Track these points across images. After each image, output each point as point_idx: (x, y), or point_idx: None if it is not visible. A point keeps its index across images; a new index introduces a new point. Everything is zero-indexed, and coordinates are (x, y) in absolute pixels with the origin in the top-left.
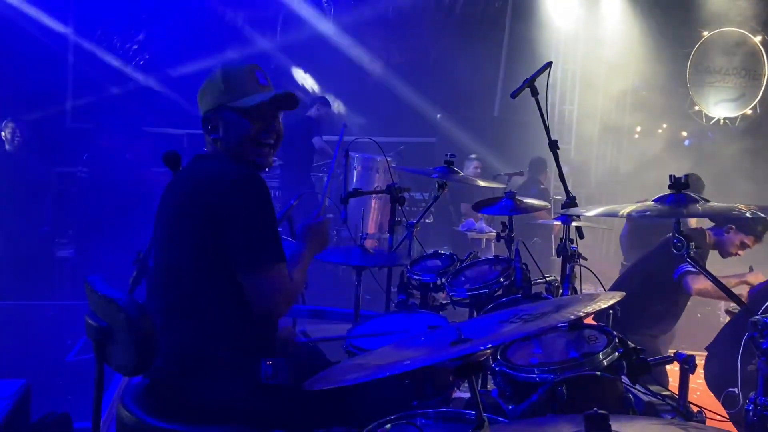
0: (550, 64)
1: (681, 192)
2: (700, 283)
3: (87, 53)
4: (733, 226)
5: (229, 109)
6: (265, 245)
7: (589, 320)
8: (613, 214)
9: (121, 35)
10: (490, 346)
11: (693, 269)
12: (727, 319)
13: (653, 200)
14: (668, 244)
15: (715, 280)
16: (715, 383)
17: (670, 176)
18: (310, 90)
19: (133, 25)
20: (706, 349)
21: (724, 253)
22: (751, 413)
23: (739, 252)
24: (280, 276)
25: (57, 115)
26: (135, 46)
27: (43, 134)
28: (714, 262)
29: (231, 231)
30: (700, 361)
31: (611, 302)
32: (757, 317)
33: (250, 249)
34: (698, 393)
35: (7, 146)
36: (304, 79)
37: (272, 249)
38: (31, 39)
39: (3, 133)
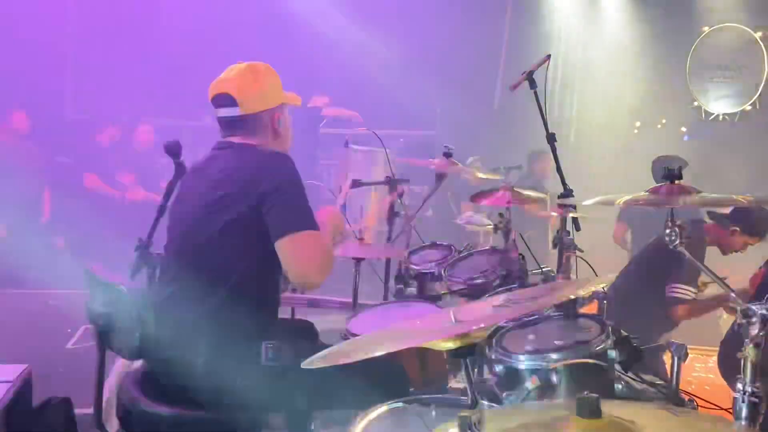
0: (549, 56)
1: (675, 183)
2: (681, 313)
3: (86, 41)
4: (738, 229)
5: (285, 105)
6: (304, 213)
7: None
8: (609, 203)
9: (123, 26)
10: (482, 325)
11: (681, 296)
12: (724, 314)
13: (648, 191)
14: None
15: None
16: (729, 378)
17: (664, 167)
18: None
19: (136, 16)
20: (720, 344)
21: (726, 251)
22: (740, 400)
23: (742, 250)
24: (317, 242)
25: (56, 103)
26: (138, 37)
27: (42, 123)
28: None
29: (269, 203)
30: (694, 355)
31: (600, 285)
32: (744, 305)
33: (288, 216)
34: (693, 386)
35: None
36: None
37: (308, 217)
38: (29, 28)
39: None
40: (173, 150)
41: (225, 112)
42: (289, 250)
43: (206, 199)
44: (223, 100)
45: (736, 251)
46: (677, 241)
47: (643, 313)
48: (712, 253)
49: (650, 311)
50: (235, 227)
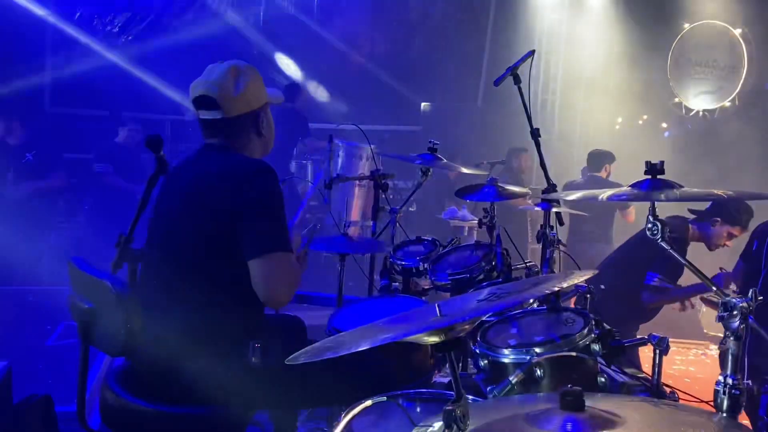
0: (532, 52)
1: (657, 177)
2: (653, 301)
3: (66, 36)
4: (719, 219)
5: (268, 105)
6: (278, 234)
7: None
8: (592, 199)
9: (101, 18)
10: (468, 318)
11: (658, 284)
12: (704, 307)
13: (630, 185)
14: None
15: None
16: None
17: (646, 162)
18: (293, 77)
19: (115, 8)
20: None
21: (712, 246)
22: (720, 392)
23: (727, 243)
24: (288, 264)
25: (35, 98)
26: (116, 30)
27: (22, 118)
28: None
29: (247, 218)
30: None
31: (584, 278)
32: (726, 298)
33: (263, 236)
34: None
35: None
36: (287, 65)
37: (283, 238)
38: (8, 21)
39: None
40: (154, 144)
41: (207, 114)
42: (260, 271)
43: (187, 200)
44: (205, 102)
45: (723, 245)
46: (659, 236)
47: (621, 302)
48: (699, 253)
49: (628, 300)
50: (216, 229)
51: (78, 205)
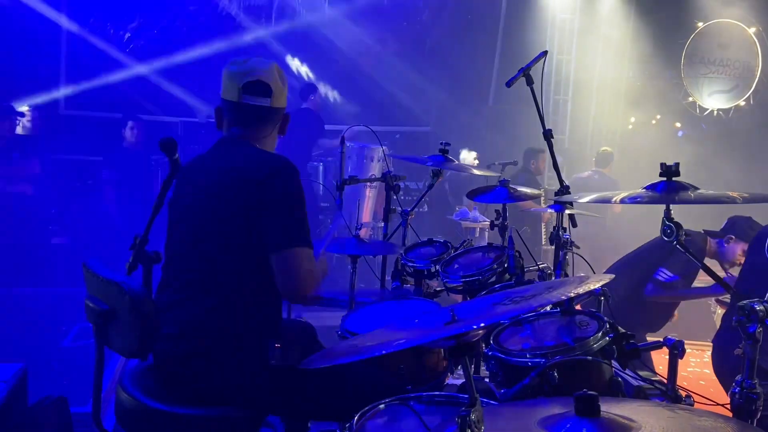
0: (545, 53)
1: (672, 179)
2: (655, 294)
3: (80, 40)
4: (733, 236)
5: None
6: (300, 229)
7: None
8: (605, 201)
9: (115, 22)
10: (483, 324)
11: (664, 280)
12: (718, 308)
13: (644, 187)
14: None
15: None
16: (722, 374)
17: (661, 164)
18: (305, 78)
19: (127, 12)
20: (712, 341)
21: (726, 263)
22: (737, 396)
23: (741, 260)
24: (309, 259)
25: (50, 102)
26: (128, 34)
27: (36, 121)
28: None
29: (270, 212)
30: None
31: (600, 284)
32: (743, 302)
33: (286, 231)
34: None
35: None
36: (299, 67)
37: (304, 233)
38: (24, 26)
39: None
40: (169, 146)
41: (254, 100)
42: (282, 265)
43: (211, 195)
44: (260, 88)
45: (738, 263)
46: (673, 237)
47: (631, 308)
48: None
49: (640, 308)
50: (240, 223)
51: (95, 206)
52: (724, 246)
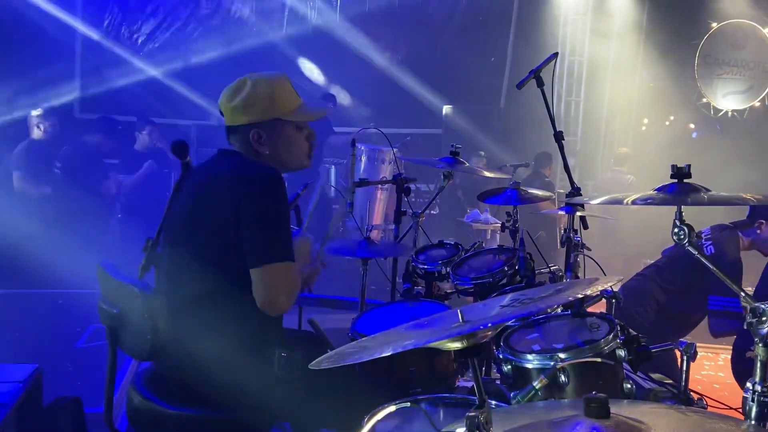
0: (556, 55)
1: (684, 181)
2: (726, 330)
3: (95, 44)
4: (764, 221)
5: (284, 122)
6: (279, 243)
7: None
8: (617, 202)
9: (129, 26)
10: (491, 325)
11: (735, 310)
12: None
13: (656, 189)
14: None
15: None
16: (742, 378)
17: (673, 166)
18: (317, 81)
19: (141, 16)
20: (733, 345)
21: (765, 248)
22: (749, 400)
23: None
24: (287, 274)
25: (65, 105)
26: (142, 37)
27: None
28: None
29: (248, 226)
30: (703, 353)
31: (609, 285)
32: (755, 304)
33: (264, 244)
34: (699, 387)
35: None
36: (310, 70)
37: (284, 247)
38: (39, 29)
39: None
40: (180, 150)
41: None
42: (262, 280)
43: (197, 203)
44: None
45: None
46: (686, 240)
47: (663, 318)
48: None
49: (675, 320)
50: (221, 233)
51: (109, 208)
52: (756, 234)
